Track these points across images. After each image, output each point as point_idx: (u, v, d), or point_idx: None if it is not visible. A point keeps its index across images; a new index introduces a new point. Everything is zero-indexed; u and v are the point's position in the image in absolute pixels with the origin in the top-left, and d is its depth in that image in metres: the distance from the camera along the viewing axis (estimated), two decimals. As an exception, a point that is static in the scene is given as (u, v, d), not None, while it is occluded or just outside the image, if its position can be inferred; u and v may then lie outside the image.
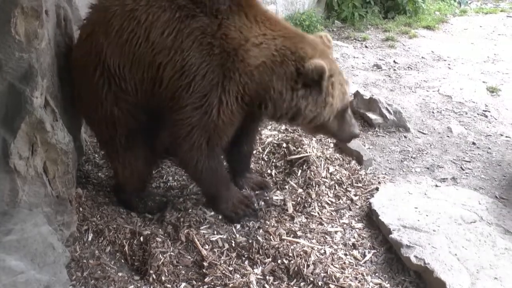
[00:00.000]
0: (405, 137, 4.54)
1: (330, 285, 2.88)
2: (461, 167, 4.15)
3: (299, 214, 3.47)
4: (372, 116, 4.62)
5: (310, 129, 3.33)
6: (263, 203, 3.55)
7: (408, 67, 5.98)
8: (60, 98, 3.10)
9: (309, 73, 2.95)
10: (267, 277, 2.96)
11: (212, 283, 2.89)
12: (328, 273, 2.94)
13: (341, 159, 4.01)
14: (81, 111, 3.41)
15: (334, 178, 3.78)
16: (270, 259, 3.07)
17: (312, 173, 3.75)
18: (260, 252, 3.11)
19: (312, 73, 2.95)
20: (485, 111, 5.11)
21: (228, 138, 3.23)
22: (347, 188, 3.72)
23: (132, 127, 3.22)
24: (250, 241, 3.19)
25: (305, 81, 3.00)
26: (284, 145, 4.01)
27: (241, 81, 2.98)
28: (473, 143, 4.52)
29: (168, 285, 2.91)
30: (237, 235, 3.28)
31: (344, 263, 3.08)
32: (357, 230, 3.38)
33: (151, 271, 2.93)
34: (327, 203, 3.57)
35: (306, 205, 3.52)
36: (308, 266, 3.00)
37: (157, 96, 3.08)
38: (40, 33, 2.63)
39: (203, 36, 2.95)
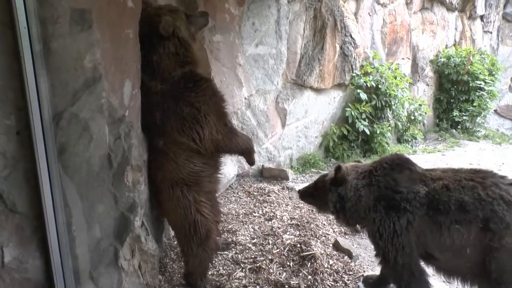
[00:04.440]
0: (380, 239, 4.50)
1: None
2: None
3: (310, 294, 3.44)
4: (358, 227, 4.59)
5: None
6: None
7: (381, 190, 6.00)
8: (150, 217, 3.19)
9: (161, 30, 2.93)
10: None
11: None
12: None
13: (337, 254, 3.99)
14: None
15: (333, 268, 3.76)
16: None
17: (317, 264, 3.74)
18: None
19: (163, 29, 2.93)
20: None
21: None
22: (342, 275, 3.69)
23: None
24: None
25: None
26: (298, 245, 4.02)
27: None
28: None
29: None
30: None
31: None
32: (350, 305, 3.32)
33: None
34: (328, 286, 3.53)
35: (314, 287, 3.49)
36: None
37: None
38: (140, 180, 2.82)
39: None
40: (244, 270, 3.75)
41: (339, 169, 3.08)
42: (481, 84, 10.20)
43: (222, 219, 3.90)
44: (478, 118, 10.41)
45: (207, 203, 3.28)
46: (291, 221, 4.63)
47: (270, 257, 3.89)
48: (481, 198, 2.65)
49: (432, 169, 3.05)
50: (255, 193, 5.31)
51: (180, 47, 3.07)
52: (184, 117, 3.01)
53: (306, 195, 3.46)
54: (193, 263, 3.37)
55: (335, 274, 3.68)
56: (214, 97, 3.17)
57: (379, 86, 7.48)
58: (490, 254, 2.60)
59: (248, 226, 4.51)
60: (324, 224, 4.62)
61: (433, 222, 2.76)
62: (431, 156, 8.00)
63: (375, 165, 3.07)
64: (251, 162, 3.54)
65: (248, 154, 3.47)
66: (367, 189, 2.98)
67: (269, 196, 5.24)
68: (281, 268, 3.77)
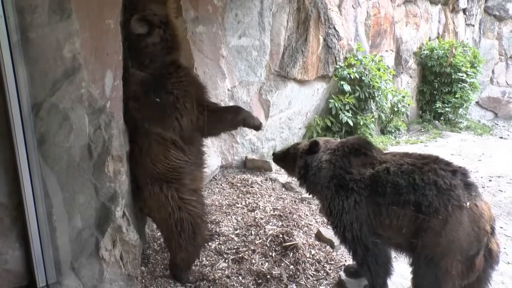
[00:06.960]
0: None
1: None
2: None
3: (291, 283, 3.49)
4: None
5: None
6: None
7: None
8: (132, 208, 3.19)
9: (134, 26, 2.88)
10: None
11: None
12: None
13: (319, 244, 4.04)
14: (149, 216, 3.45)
15: (315, 258, 3.82)
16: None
17: (299, 254, 3.80)
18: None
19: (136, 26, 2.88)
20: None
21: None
22: (324, 265, 3.75)
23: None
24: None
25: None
26: (281, 235, 4.07)
27: None
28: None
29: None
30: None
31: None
32: (331, 293, 3.37)
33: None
34: (310, 275, 3.59)
35: (296, 276, 3.55)
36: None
37: None
38: (121, 171, 2.82)
39: None
40: (227, 260, 3.79)
41: (315, 143, 3.31)
42: (463, 76, 10.36)
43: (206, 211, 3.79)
44: (460, 109, 10.59)
45: (191, 199, 3.25)
46: (274, 211, 4.67)
47: (252, 248, 3.93)
48: (415, 183, 2.81)
49: (386, 153, 3.25)
50: (238, 184, 5.34)
51: (166, 34, 3.02)
52: (163, 105, 2.99)
53: (278, 158, 3.73)
54: (181, 257, 3.38)
55: (317, 264, 3.74)
56: (193, 84, 3.17)
57: (363, 78, 7.54)
58: (419, 233, 2.81)
59: (231, 217, 4.54)
60: (307, 215, 4.67)
61: (375, 202, 2.97)
62: (414, 147, 8.11)
63: (339, 145, 3.27)
64: (254, 128, 3.48)
65: (244, 123, 3.40)
66: (327, 164, 3.19)
67: (252, 187, 5.27)
68: (264, 258, 3.82)
